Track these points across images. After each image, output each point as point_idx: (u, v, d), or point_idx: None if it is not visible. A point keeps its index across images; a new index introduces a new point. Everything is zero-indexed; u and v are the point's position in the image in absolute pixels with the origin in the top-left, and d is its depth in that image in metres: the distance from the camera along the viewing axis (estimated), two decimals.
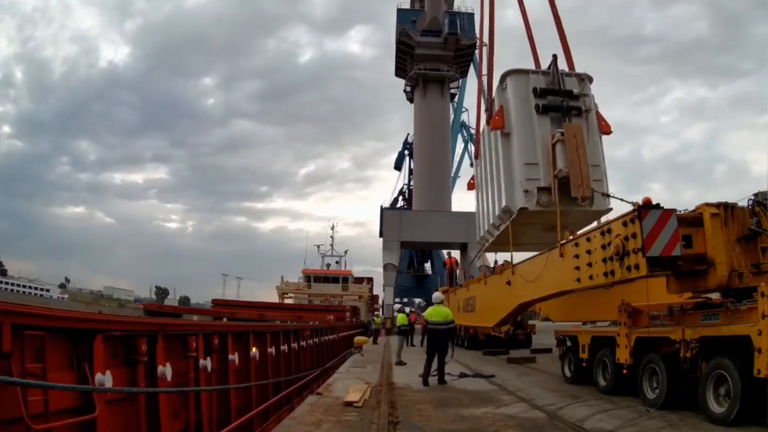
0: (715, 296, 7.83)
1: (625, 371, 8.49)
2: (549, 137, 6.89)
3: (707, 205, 7.30)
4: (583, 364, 10.07)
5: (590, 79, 7.44)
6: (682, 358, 7.13)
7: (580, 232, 9.08)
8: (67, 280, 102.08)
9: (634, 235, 7.18)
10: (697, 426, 6.44)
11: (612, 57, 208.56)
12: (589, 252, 8.35)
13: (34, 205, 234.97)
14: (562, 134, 6.76)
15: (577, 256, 8.72)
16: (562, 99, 7.02)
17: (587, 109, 6.95)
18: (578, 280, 8.70)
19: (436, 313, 10.57)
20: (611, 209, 6.72)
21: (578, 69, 9.24)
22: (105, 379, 4.28)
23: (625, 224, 7.41)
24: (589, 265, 8.32)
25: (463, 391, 9.58)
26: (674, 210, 7.03)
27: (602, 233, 7.97)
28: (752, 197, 7.44)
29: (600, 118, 7.31)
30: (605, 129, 7.36)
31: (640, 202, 7.20)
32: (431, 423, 6.74)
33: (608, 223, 7.88)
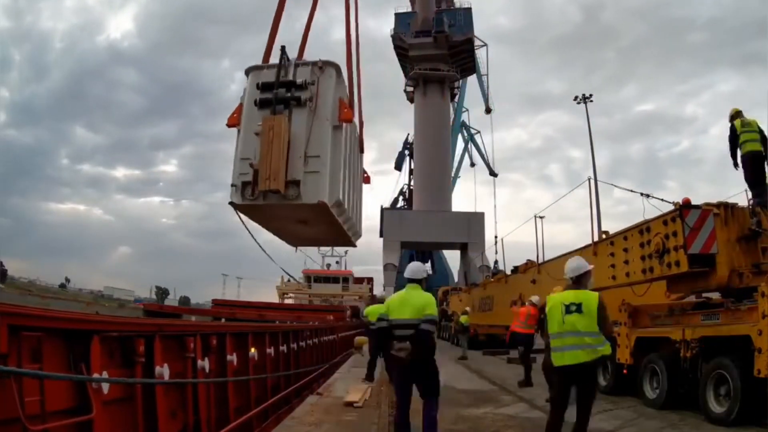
0: (715, 296, 7.82)
1: (625, 371, 8.49)
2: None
3: (707, 204, 7.30)
4: None
5: (335, 67, 7.24)
6: (682, 358, 7.13)
7: (613, 232, 9.12)
8: (67, 280, 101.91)
9: (674, 233, 7.30)
10: (698, 426, 6.43)
11: (665, 40, 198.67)
12: (626, 250, 8.45)
13: (30, 200, 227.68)
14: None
15: (612, 254, 8.81)
16: (276, 90, 6.83)
17: (308, 98, 6.77)
18: (613, 277, 8.76)
19: (401, 303, 5.30)
20: (324, 202, 6.49)
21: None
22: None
23: (665, 223, 7.53)
24: (626, 262, 8.40)
25: (463, 391, 9.57)
26: (711, 210, 7.17)
27: (641, 232, 8.06)
28: (752, 197, 7.45)
29: (342, 105, 7.10)
30: (344, 117, 7.14)
31: (681, 202, 7.34)
32: None
33: (647, 221, 7.96)
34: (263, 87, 6.87)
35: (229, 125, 6.98)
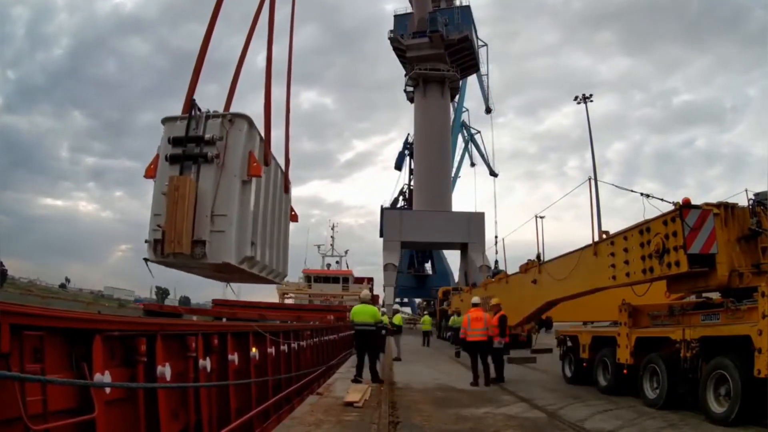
0: (715, 296, 7.82)
1: (625, 371, 8.50)
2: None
3: (707, 204, 7.31)
4: (584, 364, 10.07)
5: (246, 119, 7.20)
6: (682, 358, 7.14)
7: (614, 231, 9.13)
8: (68, 280, 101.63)
9: (674, 233, 7.28)
10: (698, 426, 6.44)
11: (722, 31, 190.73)
12: (626, 250, 8.41)
13: (27, 195, 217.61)
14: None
15: (612, 255, 8.81)
16: (183, 148, 6.82)
17: (216, 154, 6.77)
18: (614, 277, 8.75)
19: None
20: (228, 262, 6.63)
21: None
22: (104, 379, 4.28)
23: (665, 223, 7.51)
24: (626, 263, 8.38)
25: (463, 391, 9.58)
26: (711, 210, 7.17)
27: (641, 232, 8.05)
28: (752, 197, 7.45)
29: (252, 159, 7.08)
30: (253, 172, 7.13)
31: (681, 202, 7.33)
32: (432, 423, 6.73)
33: (648, 221, 7.97)
34: (174, 142, 6.83)
35: (146, 177, 7.02)
